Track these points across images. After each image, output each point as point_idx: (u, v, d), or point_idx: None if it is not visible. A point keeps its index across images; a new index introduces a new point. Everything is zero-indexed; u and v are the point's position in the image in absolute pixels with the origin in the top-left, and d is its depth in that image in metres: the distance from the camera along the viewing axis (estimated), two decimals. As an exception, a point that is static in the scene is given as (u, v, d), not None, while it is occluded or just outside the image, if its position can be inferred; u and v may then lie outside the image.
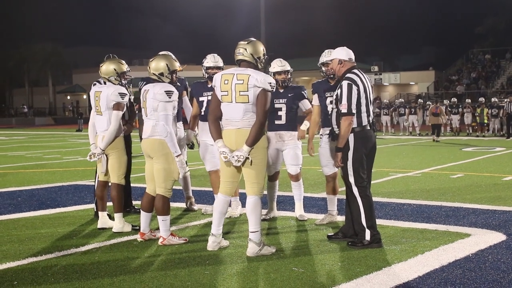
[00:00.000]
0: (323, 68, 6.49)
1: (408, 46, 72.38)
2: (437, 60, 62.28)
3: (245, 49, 5.27)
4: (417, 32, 70.74)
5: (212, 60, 7.03)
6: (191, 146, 7.28)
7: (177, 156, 5.61)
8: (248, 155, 5.11)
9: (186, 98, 7.36)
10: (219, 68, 6.92)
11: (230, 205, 7.19)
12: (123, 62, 6.52)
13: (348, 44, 5.95)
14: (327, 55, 6.45)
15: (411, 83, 52.53)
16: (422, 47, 74.59)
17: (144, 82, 6.55)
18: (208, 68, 6.98)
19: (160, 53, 6.95)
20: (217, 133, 5.26)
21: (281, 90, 6.75)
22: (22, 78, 69.82)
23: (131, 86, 7.01)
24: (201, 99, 7.01)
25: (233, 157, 5.11)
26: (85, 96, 63.64)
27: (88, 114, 48.20)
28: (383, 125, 27.56)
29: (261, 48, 5.33)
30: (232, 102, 5.16)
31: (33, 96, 69.79)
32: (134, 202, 7.70)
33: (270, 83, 5.12)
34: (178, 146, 5.64)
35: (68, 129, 38.38)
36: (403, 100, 30.43)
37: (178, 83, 7.21)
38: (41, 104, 67.03)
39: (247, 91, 5.10)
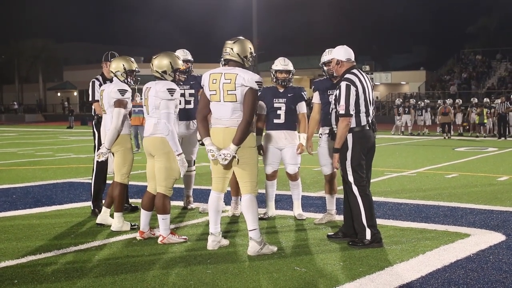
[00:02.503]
0: (325, 68, 6.46)
1: (399, 46, 72.52)
2: (428, 60, 62.33)
3: (232, 49, 5.27)
4: (408, 31, 70.81)
5: None
6: (202, 143, 7.23)
7: (178, 155, 5.58)
8: (235, 154, 5.12)
9: None
10: None
11: (230, 204, 7.18)
12: (133, 60, 6.48)
13: (340, 44, 5.91)
14: (327, 55, 6.44)
15: (402, 82, 52.69)
16: (413, 47, 74.67)
17: None
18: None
19: (178, 50, 6.89)
20: (205, 131, 5.30)
21: (281, 90, 6.73)
22: (12, 74, 69.31)
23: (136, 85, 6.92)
24: None
25: (220, 155, 5.14)
26: (75, 93, 63.26)
27: (79, 111, 47.99)
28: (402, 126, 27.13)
29: (248, 47, 5.31)
30: (220, 101, 5.19)
31: (23, 92, 69.34)
32: (129, 200, 7.64)
33: (257, 81, 5.13)
34: (179, 144, 5.62)
35: (59, 126, 38.15)
36: (401, 100, 30.51)
37: (191, 81, 7.18)
38: (31, 101, 66.61)
39: (235, 90, 5.11)
